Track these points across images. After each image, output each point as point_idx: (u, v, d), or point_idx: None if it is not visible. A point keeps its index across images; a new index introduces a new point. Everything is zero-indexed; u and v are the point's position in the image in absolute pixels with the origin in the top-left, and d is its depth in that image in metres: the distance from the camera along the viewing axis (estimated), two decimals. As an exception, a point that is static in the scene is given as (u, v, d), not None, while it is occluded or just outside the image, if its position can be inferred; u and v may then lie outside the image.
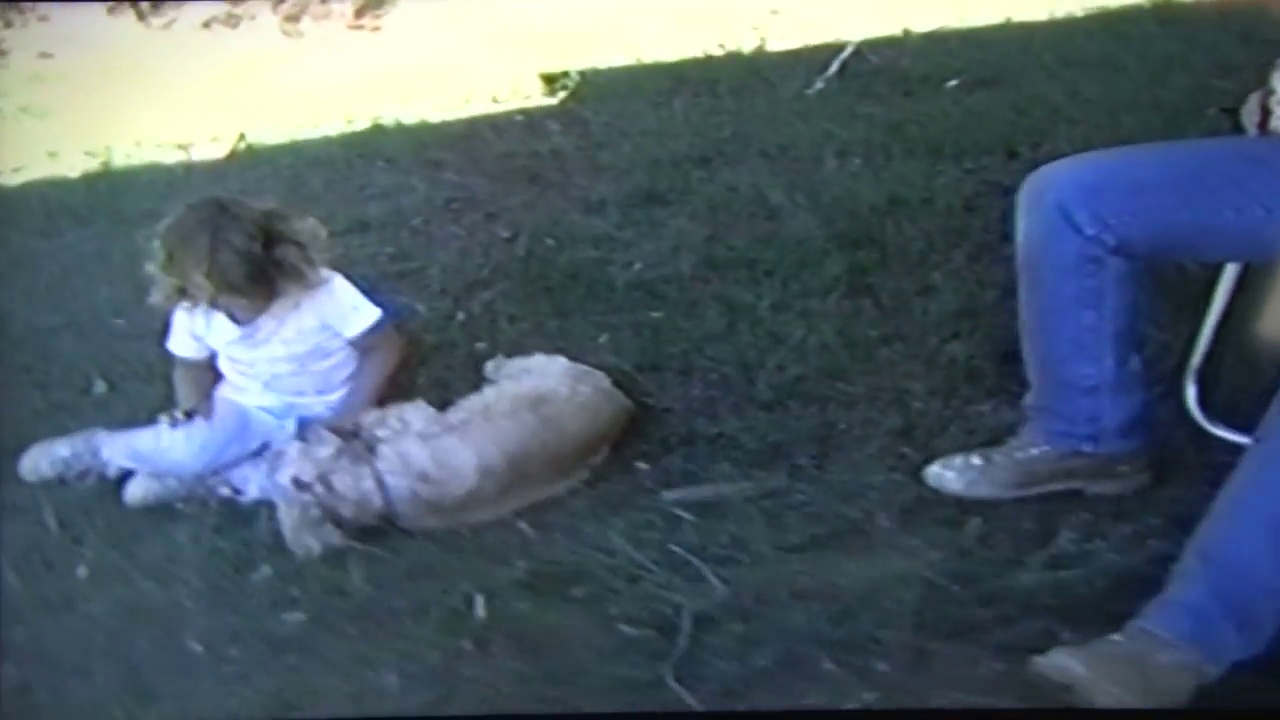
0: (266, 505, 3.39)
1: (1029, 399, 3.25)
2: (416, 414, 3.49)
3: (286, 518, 3.29)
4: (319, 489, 3.30)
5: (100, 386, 3.89)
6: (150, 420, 3.66)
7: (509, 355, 3.88)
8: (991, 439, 3.47)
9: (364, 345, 3.50)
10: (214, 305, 3.34)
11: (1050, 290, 3.12)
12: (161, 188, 5.10)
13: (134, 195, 5.00)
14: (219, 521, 3.39)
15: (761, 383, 3.79)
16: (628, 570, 3.15)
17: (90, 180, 5.08)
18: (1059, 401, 3.21)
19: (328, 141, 5.32)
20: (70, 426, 3.71)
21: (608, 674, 2.88)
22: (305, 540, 3.27)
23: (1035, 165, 4.34)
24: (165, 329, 3.63)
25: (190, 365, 3.55)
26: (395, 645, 2.99)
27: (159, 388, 3.85)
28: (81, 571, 3.28)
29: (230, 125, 5.42)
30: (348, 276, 3.71)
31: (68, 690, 2.96)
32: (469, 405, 3.51)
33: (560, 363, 3.63)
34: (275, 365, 3.55)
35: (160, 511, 3.46)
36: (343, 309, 3.44)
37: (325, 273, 3.44)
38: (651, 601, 3.08)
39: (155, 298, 3.38)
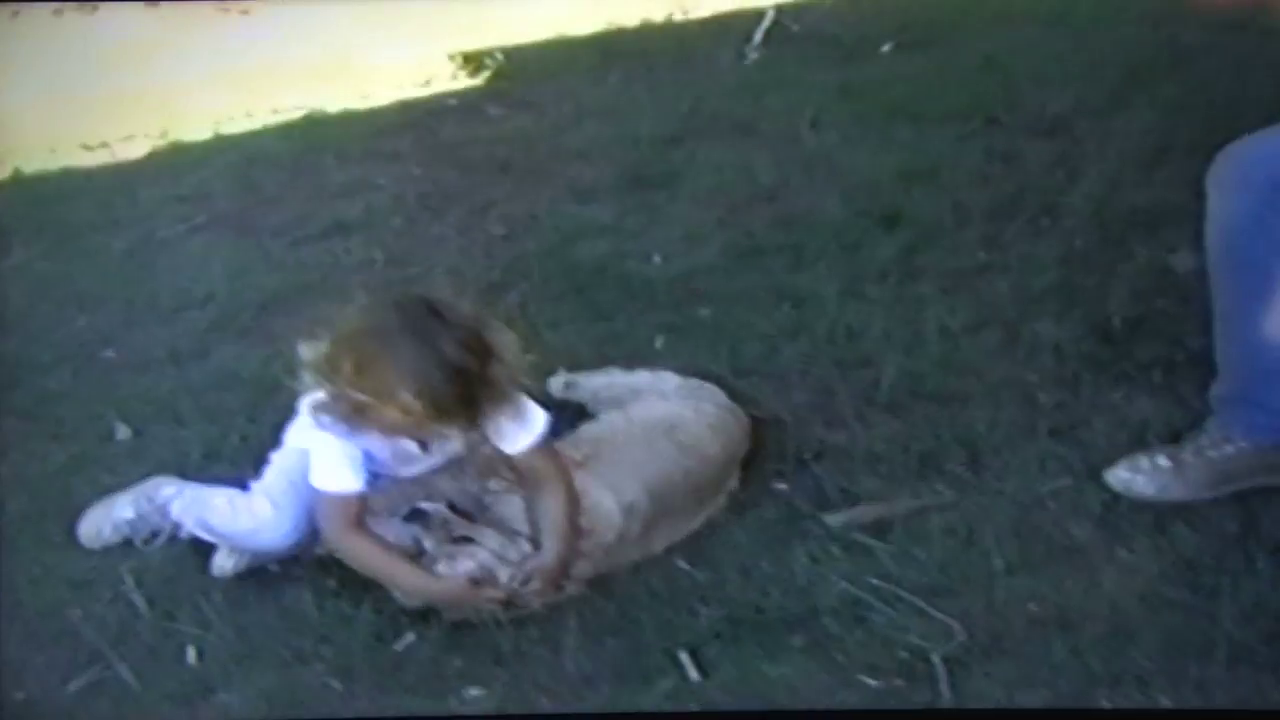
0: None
1: (1219, 390, 3.08)
2: (519, 460, 2.94)
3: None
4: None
5: (123, 432, 3.38)
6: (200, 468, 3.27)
7: (568, 368, 3.53)
8: (1142, 431, 3.33)
9: (524, 464, 2.88)
10: (403, 433, 2.76)
11: (1260, 271, 2.93)
12: (96, 194, 4.59)
13: (64, 205, 4.36)
14: (330, 583, 2.99)
15: (880, 385, 3.55)
16: (836, 609, 2.91)
17: (1, 191, 4.33)
18: (1264, 392, 3.03)
19: (261, 135, 4.73)
20: (105, 481, 3.25)
21: None
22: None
23: (1017, 130, 4.28)
24: (281, 430, 3.11)
25: (341, 501, 2.82)
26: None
27: (190, 429, 3.46)
28: (190, 655, 2.82)
29: (133, 121, 4.72)
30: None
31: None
32: (589, 437, 3.14)
33: (672, 379, 3.28)
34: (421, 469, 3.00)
35: (253, 576, 3.02)
36: (509, 420, 2.82)
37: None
38: (884, 646, 2.82)
39: (324, 418, 2.77)
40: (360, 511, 2.87)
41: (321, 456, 2.85)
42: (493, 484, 3.01)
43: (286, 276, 3.99)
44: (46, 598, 2.96)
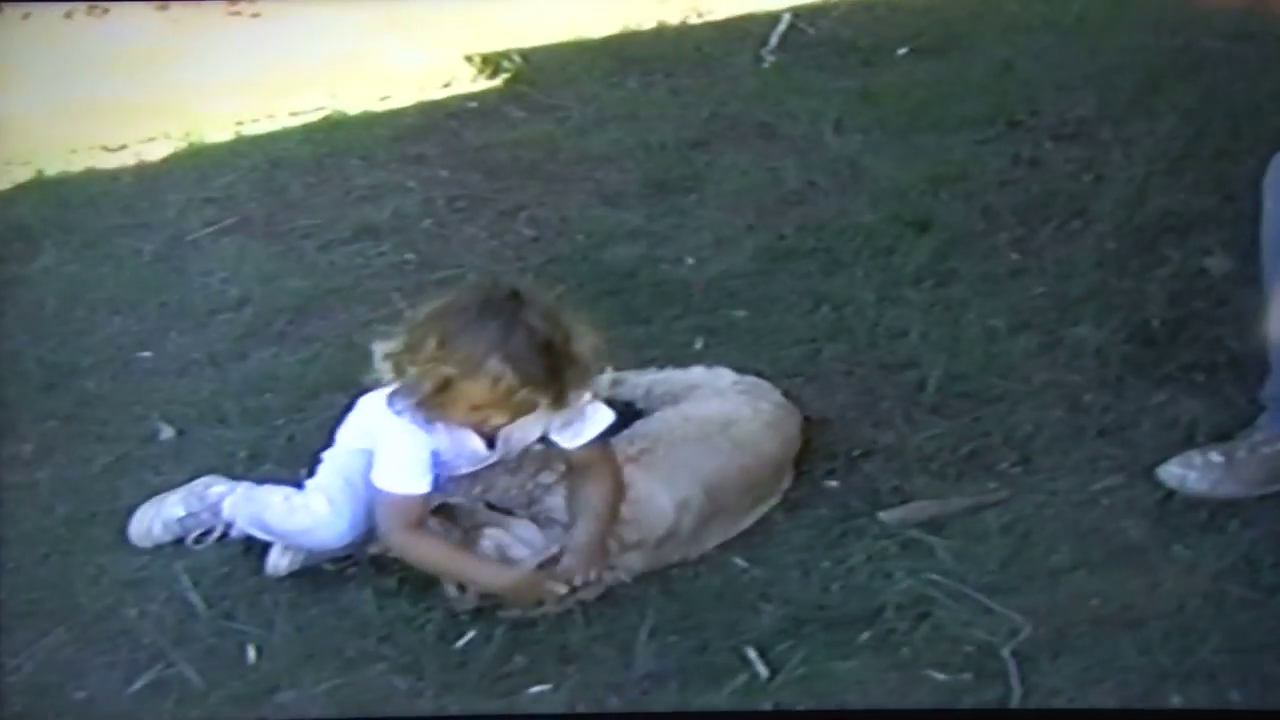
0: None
1: (1272, 389, 3.07)
2: (568, 454, 2.94)
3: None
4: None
5: (167, 433, 3.35)
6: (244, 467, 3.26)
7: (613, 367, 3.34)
8: (1189, 431, 3.36)
9: (580, 459, 2.88)
10: (487, 410, 2.74)
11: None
12: (121, 197, 4.60)
13: (90, 208, 4.35)
14: (387, 582, 2.98)
15: (927, 386, 3.56)
16: (901, 606, 2.92)
17: (25, 193, 4.29)
18: (1317, 391, 2.85)
19: (282, 137, 4.71)
20: (151, 482, 3.23)
21: None
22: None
23: (1039, 134, 4.32)
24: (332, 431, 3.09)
25: (405, 503, 2.82)
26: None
27: (233, 430, 3.44)
28: (251, 655, 2.79)
29: (151, 123, 4.68)
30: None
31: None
32: (644, 433, 3.13)
33: (727, 375, 3.25)
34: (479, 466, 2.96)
35: (307, 574, 2.99)
36: (572, 415, 2.82)
37: None
38: (950, 642, 2.83)
39: (402, 407, 2.79)
40: (424, 513, 2.86)
41: (389, 456, 2.84)
42: (544, 476, 3.01)
43: (319, 280, 3.96)
44: (102, 598, 2.94)
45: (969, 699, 2.66)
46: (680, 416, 3.18)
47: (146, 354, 3.72)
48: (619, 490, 2.91)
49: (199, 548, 3.04)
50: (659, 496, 3.02)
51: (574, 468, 2.91)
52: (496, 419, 2.78)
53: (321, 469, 3.02)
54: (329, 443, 3.09)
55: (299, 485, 3.03)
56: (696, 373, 3.33)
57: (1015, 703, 2.62)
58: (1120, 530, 3.06)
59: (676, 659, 2.78)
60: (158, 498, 3.08)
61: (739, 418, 3.19)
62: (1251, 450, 3.07)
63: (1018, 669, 2.73)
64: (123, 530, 3.08)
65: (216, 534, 3.03)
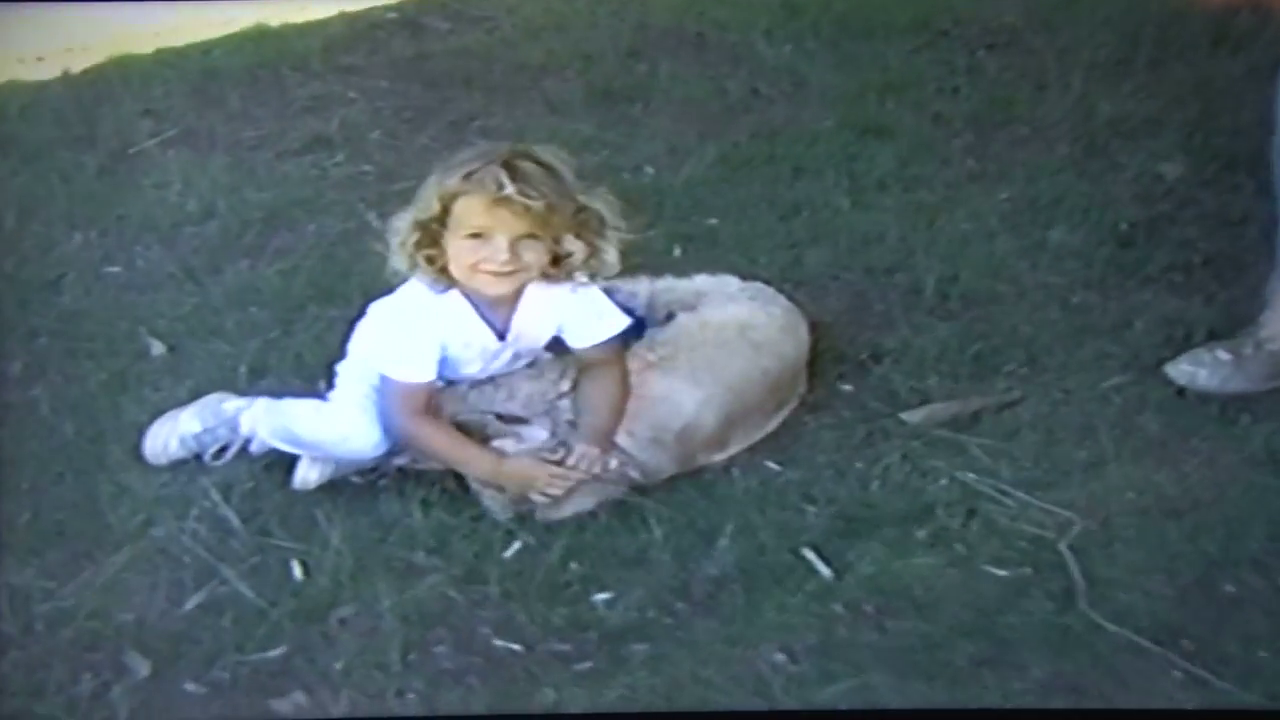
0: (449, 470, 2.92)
1: (1276, 284, 3.06)
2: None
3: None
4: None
5: (158, 348, 3.25)
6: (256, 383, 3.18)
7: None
8: (1183, 329, 3.45)
9: (588, 359, 2.88)
10: (494, 229, 2.68)
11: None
12: (51, 109, 4.41)
13: (22, 122, 4.22)
14: (420, 493, 2.93)
15: (924, 289, 3.61)
16: (948, 504, 2.96)
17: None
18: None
19: (209, 48, 4.55)
20: (152, 399, 3.14)
21: (1019, 622, 2.67)
22: (559, 510, 2.87)
23: (970, 42, 4.66)
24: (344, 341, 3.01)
25: (409, 391, 2.82)
26: (764, 619, 2.67)
27: (226, 344, 3.34)
28: (296, 571, 2.72)
29: (66, 33, 4.50)
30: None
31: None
32: (664, 339, 3.15)
33: (734, 282, 3.27)
34: (497, 368, 2.94)
35: (336, 487, 2.93)
36: (585, 314, 2.82)
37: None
38: (1003, 537, 2.88)
39: (401, 257, 2.79)
40: (428, 400, 2.82)
41: (394, 344, 2.82)
42: (565, 383, 2.99)
43: (280, 192, 3.86)
44: (131, 517, 2.84)
45: (1035, 592, 2.68)
46: (698, 322, 3.15)
47: (115, 269, 3.58)
48: (624, 393, 2.91)
49: (218, 463, 2.94)
50: (678, 393, 3.03)
51: (582, 369, 2.90)
52: (499, 251, 2.68)
53: (341, 380, 2.95)
54: (340, 354, 3.02)
55: (314, 397, 3.00)
56: (701, 280, 3.29)
57: (1080, 595, 2.54)
58: (1138, 426, 3.12)
59: (735, 562, 2.76)
60: (170, 414, 2.98)
61: (755, 322, 3.17)
62: (1258, 347, 3.15)
63: (1076, 561, 2.63)
64: (135, 447, 2.97)
65: (235, 449, 2.90)
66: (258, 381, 3.16)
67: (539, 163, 2.65)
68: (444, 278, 2.70)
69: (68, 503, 2.84)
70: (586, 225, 2.73)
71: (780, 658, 2.58)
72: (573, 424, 2.91)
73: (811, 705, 2.46)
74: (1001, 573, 2.76)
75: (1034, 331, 3.40)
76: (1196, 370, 3.17)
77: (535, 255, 2.71)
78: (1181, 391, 3.18)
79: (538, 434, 2.88)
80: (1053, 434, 3.09)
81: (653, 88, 4.48)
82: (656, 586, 2.72)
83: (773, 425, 3.12)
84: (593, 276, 2.79)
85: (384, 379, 2.80)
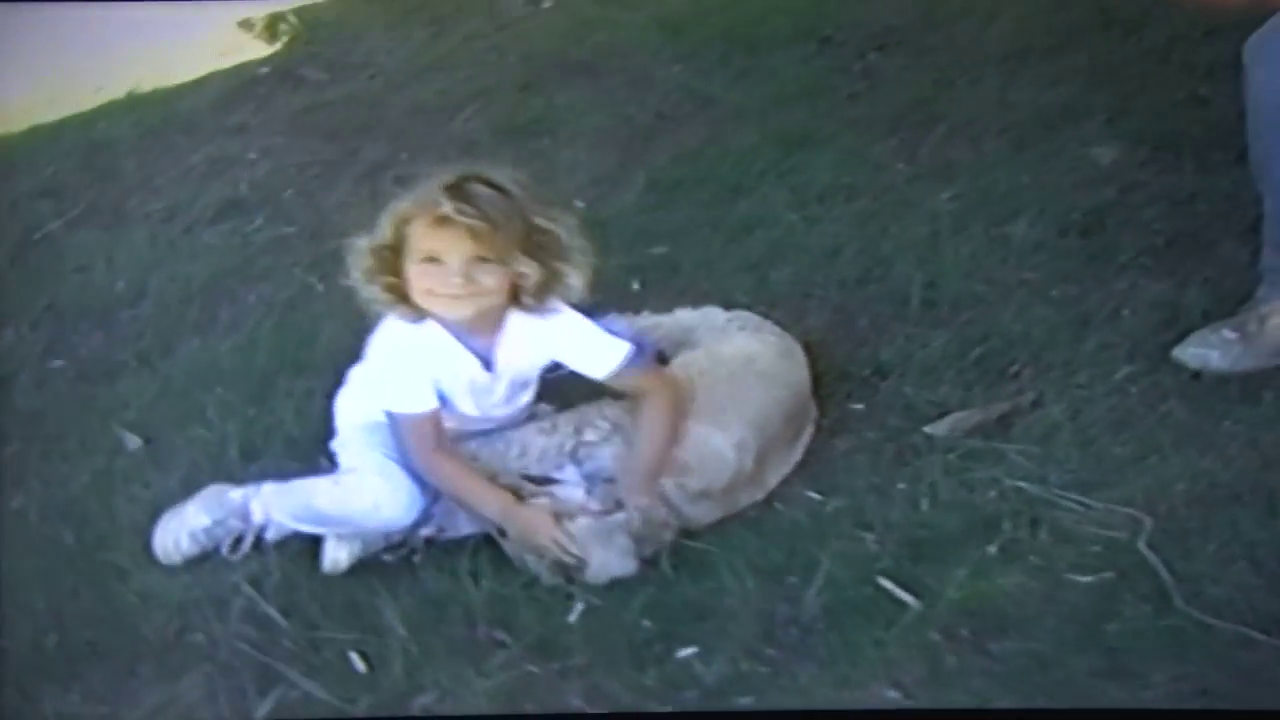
0: (481, 537, 2.81)
1: (1274, 260, 3.14)
2: (619, 411, 2.94)
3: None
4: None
5: (133, 442, 3.01)
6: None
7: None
8: (1172, 313, 3.39)
9: (625, 387, 2.85)
10: (446, 252, 2.64)
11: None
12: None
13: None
14: (463, 565, 2.78)
15: (911, 298, 3.50)
16: (1011, 514, 2.86)
17: None
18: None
19: (88, 120, 4.24)
20: (143, 496, 2.93)
21: (1124, 629, 2.59)
22: (602, 574, 2.72)
23: (857, 46, 4.63)
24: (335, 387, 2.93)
25: (418, 422, 2.76)
26: (864, 657, 2.57)
27: (198, 429, 3.13)
28: (357, 662, 2.57)
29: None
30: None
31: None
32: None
33: (719, 313, 3.17)
34: (494, 407, 2.85)
35: (368, 568, 2.75)
36: (581, 344, 2.79)
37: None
38: (1074, 544, 2.80)
39: (385, 307, 2.77)
40: (438, 430, 2.74)
41: (391, 379, 2.74)
42: (589, 434, 2.85)
43: (207, 263, 3.62)
44: (164, 625, 2.64)
45: (1126, 596, 2.62)
46: (705, 358, 3.05)
47: (60, 362, 3.30)
48: (678, 410, 2.85)
49: (235, 557, 2.73)
50: (714, 439, 2.89)
51: (632, 398, 2.83)
52: (452, 273, 2.66)
53: (348, 455, 2.82)
54: (325, 426, 2.89)
55: (320, 474, 2.85)
56: (685, 315, 3.18)
57: (1174, 594, 2.49)
58: (1166, 414, 3.06)
59: (814, 601, 2.67)
60: (173, 510, 2.78)
61: (756, 352, 3.07)
62: (1261, 323, 3.12)
63: (1161, 560, 2.58)
64: (143, 549, 2.76)
65: (250, 539, 2.70)
66: (250, 464, 2.96)
67: (489, 184, 2.60)
68: (409, 307, 2.65)
69: (92, 618, 2.61)
70: (543, 247, 2.65)
71: (894, 694, 2.46)
72: (609, 481, 2.78)
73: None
74: (1086, 579, 2.67)
75: (1026, 329, 3.31)
76: (1208, 353, 3.13)
77: (493, 279, 2.65)
78: (1197, 375, 3.11)
79: (573, 493, 2.74)
80: (1084, 432, 3.01)
81: (556, 120, 4.34)
82: (739, 635, 2.59)
83: (798, 454, 3.00)
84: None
85: (391, 417, 2.71)
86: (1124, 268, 3.52)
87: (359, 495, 2.70)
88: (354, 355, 3.02)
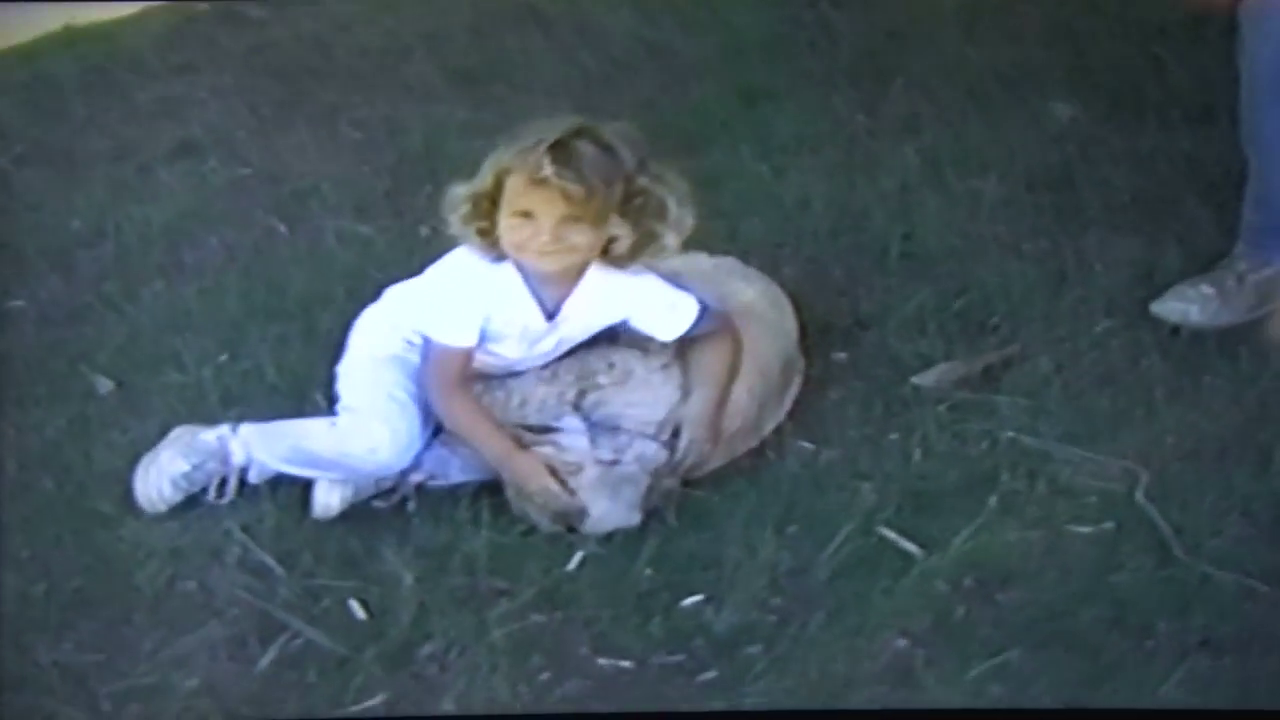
0: (477, 486, 2.75)
1: (1256, 219, 3.21)
2: (626, 356, 2.88)
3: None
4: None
5: (105, 385, 2.91)
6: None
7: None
8: (1145, 270, 3.43)
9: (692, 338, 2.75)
10: (541, 216, 2.59)
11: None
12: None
13: None
14: (462, 513, 2.70)
15: (890, 251, 3.48)
16: (1009, 466, 2.86)
17: None
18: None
19: (28, 55, 4.12)
20: (121, 442, 2.83)
21: (1130, 580, 2.62)
22: (601, 525, 2.66)
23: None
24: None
25: (451, 355, 2.70)
26: (874, 607, 2.53)
27: (172, 374, 3.02)
28: (358, 610, 2.49)
29: None
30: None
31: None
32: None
33: (704, 259, 3.11)
34: (539, 356, 2.79)
35: (359, 515, 2.67)
36: (656, 307, 2.75)
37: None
38: (1074, 495, 2.81)
39: (470, 239, 2.70)
40: (465, 368, 2.70)
41: (442, 306, 2.69)
42: (599, 380, 2.83)
43: (166, 205, 3.52)
44: (157, 574, 2.55)
45: (1125, 547, 2.64)
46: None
47: (19, 303, 3.18)
48: (738, 351, 2.84)
49: (222, 500, 2.66)
50: (736, 388, 2.87)
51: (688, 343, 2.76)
52: (542, 232, 2.60)
53: (350, 390, 2.78)
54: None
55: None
56: (670, 260, 3.03)
57: (1174, 545, 2.55)
58: (1149, 369, 3.10)
59: (815, 550, 2.64)
60: (146, 457, 2.69)
61: (751, 299, 3.05)
62: (1239, 279, 3.16)
63: (1158, 511, 2.64)
64: (125, 498, 2.66)
65: (233, 482, 2.64)
66: (229, 410, 2.88)
67: (598, 142, 2.54)
68: (497, 250, 2.60)
69: (79, 566, 2.53)
70: (641, 209, 2.62)
71: (903, 643, 2.45)
72: (627, 432, 2.76)
73: (959, 688, 2.36)
74: (1085, 530, 2.68)
75: (1004, 283, 3.32)
76: (1188, 307, 3.15)
77: (583, 238, 2.60)
78: (1176, 330, 3.14)
79: (577, 442, 2.69)
80: (1070, 386, 3.03)
81: (508, 65, 4.28)
82: (744, 585, 2.56)
83: (788, 404, 2.97)
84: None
85: (425, 340, 2.67)
86: (1093, 223, 3.54)
87: (356, 439, 2.64)
88: (326, 301, 3.07)
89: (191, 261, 3.34)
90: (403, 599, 2.49)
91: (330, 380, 2.82)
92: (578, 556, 2.61)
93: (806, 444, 2.88)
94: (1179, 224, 3.47)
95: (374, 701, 2.32)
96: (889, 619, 2.49)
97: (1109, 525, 2.68)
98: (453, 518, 2.66)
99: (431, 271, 2.69)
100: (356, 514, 2.65)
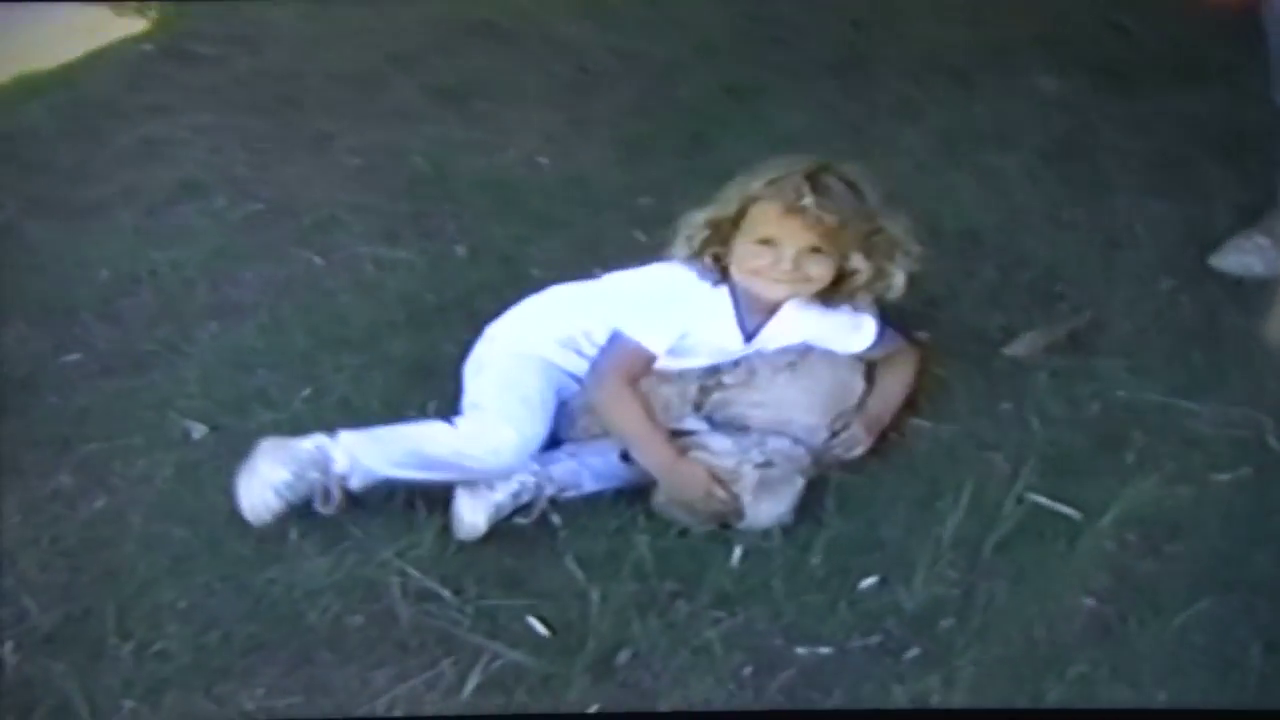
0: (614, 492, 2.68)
1: None
2: (749, 355, 2.84)
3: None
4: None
5: (198, 430, 2.80)
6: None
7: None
8: (1189, 228, 3.49)
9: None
10: (780, 242, 2.62)
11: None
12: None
13: None
14: (611, 522, 2.65)
15: (941, 229, 3.40)
16: (1138, 423, 2.87)
17: None
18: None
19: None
20: (230, 485, 2.63)
21: None
22: (758, 521, 2.63)
23: None
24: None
25: (635, 353, 2.67)
26: (1051, 570, 2.56)
27: (262, 413, 2.91)
28: (540, 629, 2.43)
29: None
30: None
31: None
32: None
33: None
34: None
35: (504, 534, 2.59)
36: (842, 330, 2.77)
37: None
38: (1203, 444, 2.84)
39: (683, 248, 2.69)
40: (644, 371, 2.67)
41: (648, 306, 2.68)
42: (726, 378, 2.79)
43: (192, 246, 3.40)
44: (324, 611, 2.47)
45: (1272, 491, 2.69)
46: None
47: (74, 356, 3.03)
48: (906, 381, 2.90)
49: (329, 510, 2.57)
50: (841, 371, 2.93)
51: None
52: (784, 260, 2.61)
53: (478, 384, 2.73)
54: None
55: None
56: None
57: None
58: (1224, 319, 3.12)
59: (976, 522, 2.64)
60: (244, 471, 2.57)
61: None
62: (1293, 229, 3.05)
63: None
64: (261, 540, 2.56)
65: (337, 492, 2.56)
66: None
67: (844, 179, 2.56)
68: (718, 274, 2.63)
69: (241, 612, 2.45)
70: (878, 248, 2.61)
71: (1091, 602, 2.46)
72: (760, 431, 2.71)
73: (1164, 642, 2.36)
74: (1226, 477, 2.69)
75: (1054, 254, 3.36)
76: (1249, 260, 3.23)
77: (820, 269, 2.60)
78: (1239, 281, 3.19)
79: (721, 444, 2.67)
80: (1155, 343, 3.07)
81: (483, 83, 4.22)
82: (914, 563, 2.54)
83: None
84: (876, 300, 2.69)
85: (616, 334, 2.63)
86: (1117, 189, 3.58)
87: (479, 440, 2.57)
88: (392, 327, 3.03)
89: (237, 299, 3.20)
90: (585, 611, 2.43)
91: (424, 405, 2.79)
92: (737, 552, 2.56)
93: (922, 421, 2.83)
94: (1200, 182, 3.54)
95: (591, 712, 2.23)
96: (1070, 581, 2.47)
97: (1247, 470, 2.69)
98: (603, 527, 2.60)
99: (638, 275, 2.71)
100: (498, 532, 2.56)
